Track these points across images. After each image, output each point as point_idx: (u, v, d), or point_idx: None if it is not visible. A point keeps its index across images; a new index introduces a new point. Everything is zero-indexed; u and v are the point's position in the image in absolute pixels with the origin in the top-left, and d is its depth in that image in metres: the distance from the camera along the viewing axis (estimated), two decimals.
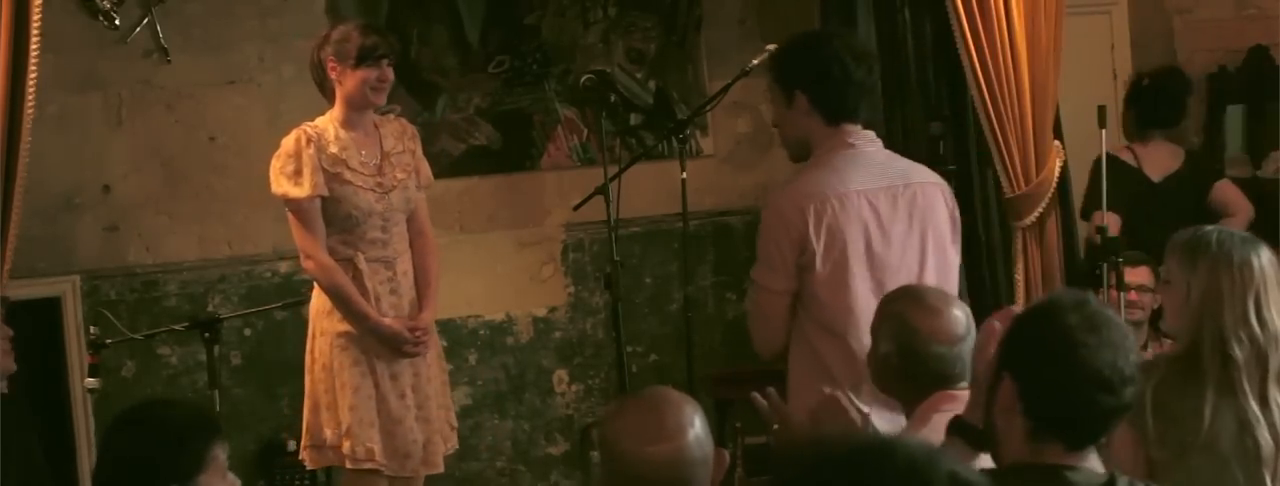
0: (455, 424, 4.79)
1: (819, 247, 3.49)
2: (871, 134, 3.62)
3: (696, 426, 2.62)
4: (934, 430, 2.85)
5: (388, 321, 4.49)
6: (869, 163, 3.57)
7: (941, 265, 3.67)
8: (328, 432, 4.51)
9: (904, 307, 3.13)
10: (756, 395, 3.04)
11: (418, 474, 4.55)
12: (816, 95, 3.54)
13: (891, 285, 3.47)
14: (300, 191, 4.45)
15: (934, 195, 3.67)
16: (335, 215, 4.50)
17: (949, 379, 3.07)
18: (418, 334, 4.52)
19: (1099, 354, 2.37)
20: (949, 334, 3.07)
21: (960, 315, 3.11)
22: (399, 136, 4.66)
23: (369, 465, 4.49)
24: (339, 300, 4.48)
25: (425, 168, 4.71)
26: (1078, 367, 2.36)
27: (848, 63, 3.59)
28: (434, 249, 4.72)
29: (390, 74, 4.55)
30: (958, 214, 3.74)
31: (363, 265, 4.50)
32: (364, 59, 4.47)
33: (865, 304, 3.49)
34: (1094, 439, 2.42)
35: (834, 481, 1.67)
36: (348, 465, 4.51)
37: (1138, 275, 5.00)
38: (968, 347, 3.04)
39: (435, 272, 4.68)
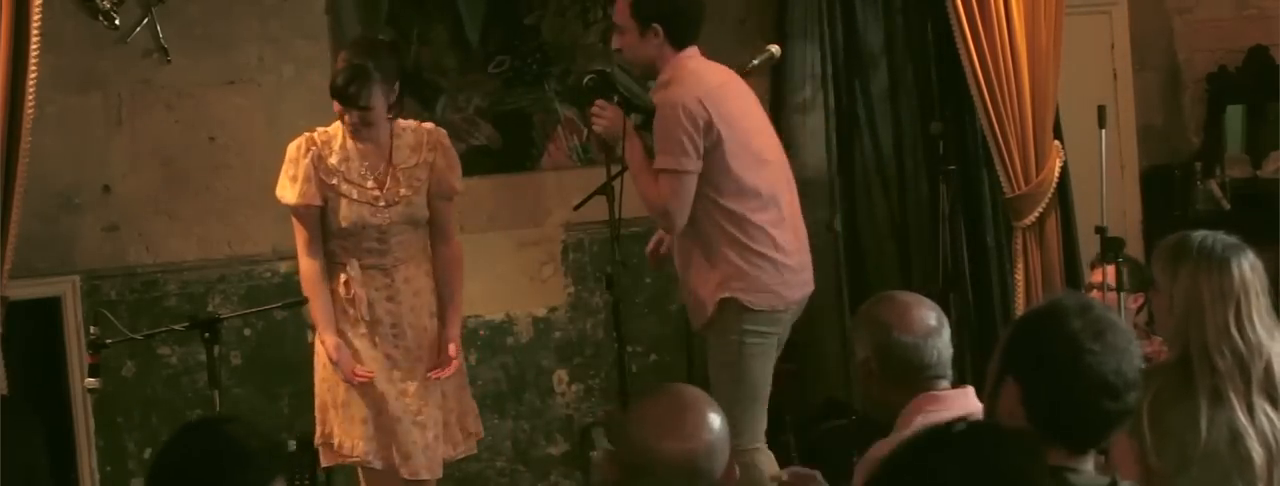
0: (475, 429, 4.75)
1: (722, 129, 4.38)
2: (694, 49, 4.53)
3: (720, 421, 2.77)
4: None
5: (337, 345, 4.48)
6: (709, 68, 4.54)
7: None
8: (335, 429, 4.56)
9: (873, 309, 3.17)
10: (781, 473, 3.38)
11: (418, 476, 4.54)
12: (672, 27, 4.45)
13: (768, 152, 4.57)
14: (290, 198, 4.51)
15: (744, 83, 4.66)
16: (330, 223, 4.53)
17: (924, 368, 3.07)
18: (445, 358, 4.58)
19: (1104, 360, 2.36)
20: (919, 325, 3.08)
21: (930, 312, 3.14)
22: (416, 148, 4.56)
23: (353, 459, 4.54)
24: (312, 304, 4.54)
25: (450, 178, 4.60)
26: (1084, 374, 2.36)
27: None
28: (457, 259, 4.68)
29: (366, 117, 4.41)
30: None
31: (356, 271, 4.51)
32: (334, 97, 4.44)
33: (761, 166, 4.51)
34: (1097, 443, 2.42)
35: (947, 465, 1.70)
36: (325, 460, 4.59)
37: (1102, 275, 5.02)
38: (943, 343, 3.08)
39: (458, 286, 4.67)
